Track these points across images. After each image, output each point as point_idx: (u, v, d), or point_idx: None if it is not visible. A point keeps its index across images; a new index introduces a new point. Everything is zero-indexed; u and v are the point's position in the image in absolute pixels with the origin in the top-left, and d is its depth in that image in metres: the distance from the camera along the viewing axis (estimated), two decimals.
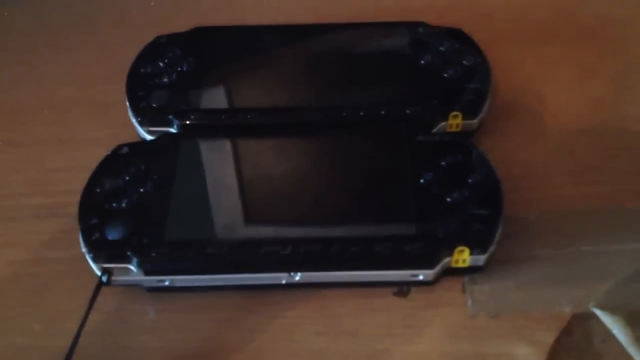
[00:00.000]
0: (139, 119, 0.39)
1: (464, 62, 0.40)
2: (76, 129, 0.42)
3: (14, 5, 0.49)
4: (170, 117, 0.39)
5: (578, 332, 0.32)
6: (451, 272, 0.34)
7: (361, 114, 0.39)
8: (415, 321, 0.34)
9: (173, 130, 0.39)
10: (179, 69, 0.41)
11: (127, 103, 0.40)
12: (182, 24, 0.43)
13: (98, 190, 0.36)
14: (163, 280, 0.34)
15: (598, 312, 0.33)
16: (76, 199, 0.35)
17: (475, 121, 0.39)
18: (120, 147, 0.38)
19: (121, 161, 0.37)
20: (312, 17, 0.45)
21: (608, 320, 0.32)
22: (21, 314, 0.35)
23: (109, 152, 0.37)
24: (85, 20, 0.48)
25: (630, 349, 0.32)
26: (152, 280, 0.34)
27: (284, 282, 0.34)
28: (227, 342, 0.34)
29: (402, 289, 0.35)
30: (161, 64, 0.41)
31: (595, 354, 0.32)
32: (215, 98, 0.41)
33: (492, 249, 0.34)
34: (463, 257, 0.34)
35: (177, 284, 0.35)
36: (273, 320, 0.34)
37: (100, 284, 0.34)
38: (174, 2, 0.48)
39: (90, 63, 0.45)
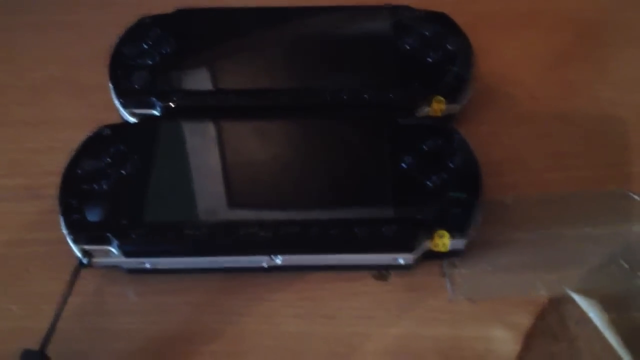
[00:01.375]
0: (121, 101, 0.39)
1: (447, 46, 0.40)
2: (58, 110, 0.42)
3: None
4: (153, 99, 0.39)
5: (553, 315, 0.33)
6: (431, 256, 0.35)
7: (344, 97, 0.39)
8: (395, 304, 0.34)
9: (156, 112, 0.39)
10: (162, 50, 0.41)
11: (110, 84, 0.39)
12: (165, 5, 0.43)
13: (79, 172, 0.36)
14: (143, 263, 0.34)
15: (574, 296, 0.33)
16: (57, 180, 0.35)
17: (457, 105, 0.39)
18: (102, 128, 0.37)
19: (103, 143, 0.37)
20: (296, 1, 0.45)
21: (584, 303, 0.33)
22: (1, 295, 0.35)
23: (90, 134, 0.37)
24: (68, 1, 0.47)
25: (606, 332, 0.32)
26: (133, 262, 0.34)
27: (264, 265, 0.34)
28: (207, 325, 0.34)
29: (382, 272, 0.35)
30: (144, 46, 0.41)
31: (570, 336, 0.32)
32: (198, 80, 0.40)
33: (471, 233, 0.34)
34: (443, 241, 0.34)
35: (158, 266, 0.35)
36: (253, 303, 0.34)
37: (80, 265, 0.34)
38: None
39: (72, 44, 0.45)
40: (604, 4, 0.46)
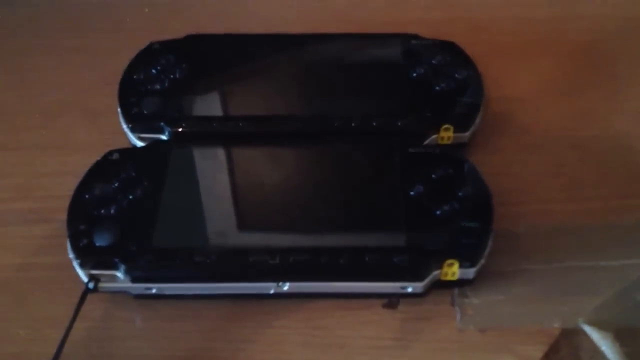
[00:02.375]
0: (130, 126, 0.39)
1: (457, 75, 0.40)
2: (67, 134, 0.42)
3: (7, 8, 0.48)
4: (162, 124, 0.39)
5: (566, 348, 0.32)
6: (441, 284, 0.34)
7: (353, 124, 0.39)
8: (404, 334, 0.34)
9: (164, 137, 0.39)
10: (171, 75, 0.41)
11: (119, 109, 0.39)
12: (175, 31, 0.43)
13: (87, 196, 0.36)
14: (150, 288, 0.34)
15: (587, 328, 0.33)
16: (65, 204, 0.35)
17: (467, 134, 0.39)
18: (110, 152, 0.37)
19: (111, 167, 0.37)
20: (306, 27, 0.45)
21: (596, 336, 0.32)
22: (7, 320, 0.34)
23: (99, 158, 0.37)
24: (79, 25, 0.48)
25: None
26: (140, 287, 0.34)
27: (272, 292, 0.34)
28: (214, 352, 0.34)
29: (392, 301, 0.35)
30: (154, 71, 0.41)
31: None
32: (207, 106, 0.40)
33: (481, 262, 0.34)
34: (452, 270, 0.33)
35: (165, 292, 0.34)
36: (260, 330, 0.34)
37: (87, 290, 0.33)
38: (168, 9, 0.49)
39: (83, 68, 0.45)
40: (617, 34, 0.46)
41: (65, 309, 0.33)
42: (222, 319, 0.34)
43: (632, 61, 0.45)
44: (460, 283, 0.34)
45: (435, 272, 0.34)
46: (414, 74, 0.41)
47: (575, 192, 0.38)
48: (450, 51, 0.42)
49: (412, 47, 0.42)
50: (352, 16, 0.48)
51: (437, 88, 0.40)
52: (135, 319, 0.35)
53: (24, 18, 0.48)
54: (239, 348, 0.34)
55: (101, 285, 0.34)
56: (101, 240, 0.34)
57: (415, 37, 0.43)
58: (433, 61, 0.41)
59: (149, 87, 0.41)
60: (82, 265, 0.34)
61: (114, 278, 0.34)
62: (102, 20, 0.48)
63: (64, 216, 0.35)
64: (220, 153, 0.39)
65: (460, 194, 0.35)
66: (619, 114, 0.42)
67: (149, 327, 0.34)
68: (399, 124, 0.38)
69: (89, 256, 0.34)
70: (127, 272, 0.33)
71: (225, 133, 0.39)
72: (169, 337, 0.34)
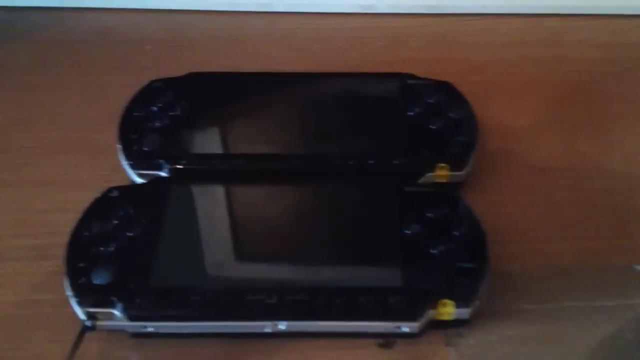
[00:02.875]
0: (130, 162, 0.40)
1: (451, 114, 0.41)
2: (68, 170, 0.42)
3: (12, 44, 0.49)
4: (162, 161, 0.39)
5: None
6: (436, 324, 0.34)
7: (350, 163, 0.39)
8: None
9: (164, 174, 0.39)
10: (172, 113, 0.42)
11: (119, 146, 0.40)
12: (177, 69, 0.44)
13: (86, 233, 0.36)
14: (147, 326, 0.34)
15: None
16: (64, 241, 0.36)
17: (462, 173, 0.39)
18: (110, 190, 0.38)
19: (111, 204, 0.37)
20: (304, 66, 0.46)
21: None
22: (4, 357, 0.34)
23: (98, 195, 0.38)
24: (81, 62, 0.48)
25: None
26: (137, 326, 0.34)
27: (268, 330, 0.34)
28: None
29: (387, 340, 0.35)
30: (155, 108, 0.42)
31: None
32: (206, 143, 0.41)
33: (476, 302, 0.34)
34: (447, 310, 0.34)
35: (161, 330, 0.34)
36: None
37: (84, 328, 0.34)
38: (170, 47, 0.49)
39: (85, 105, 0.45)
40: (610, 77, 0.47)
41: (63, 347, 0.33)
42: (218, 358, 0.34)
43: (624, 103, 0.45)
44: (456, 323, 0.34)
45: (430, 312, 0.34)
46: (410, 113, 0.41)
47: (569, 232, 0.38)
48: (445, 91, 0.43)
49: (407, 86, 0.43)
50: (350, 55, 0.49)
51: (432, 127, 0.41)
52: (132, 357, 0.35)
53: (27, 55, 0.49)
54: None
55: (98, 323, 0.34)
56: (99, 278, 0.34)
57: (411, 76, 0.43)
58: (429, 101, 0.42)
59: (149, 124, 0.41)
60: (80, 303, 0.34)
61: (111, 316, 0.34)
62: (105, 58, 0.49)
63: (63, 253, 0.35)
64: (219, 191, 0.39)
65: (455, 233, 0.36)
66: (611, 154, 0.42)
67: None
68: (395, 162, 0.39)
69: (87, 294, 0.34)
70: (124, 311, 0.33)
71: (224, 171, 0.40)
72: None
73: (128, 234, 0.36)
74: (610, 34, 0.50)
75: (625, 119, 0.44)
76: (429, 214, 0.36)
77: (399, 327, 0.34)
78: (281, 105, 0.43)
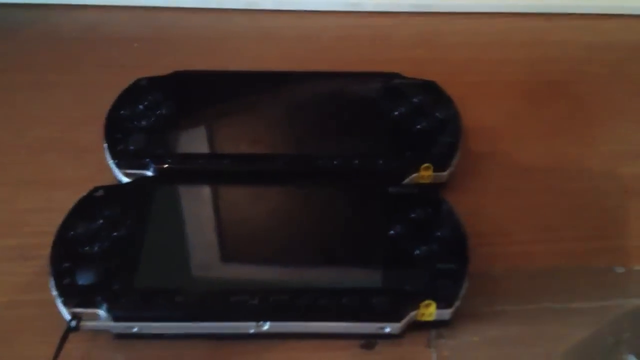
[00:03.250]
0: (115, 162, 0.40)
1: (436, 114, 0.41)
2: (53, 169, 0.42)
3: None
4: (147, 160, 0.39)
5: None
6: (418, 325, 0.35)
7: (334, 163, 0.39)
8: None
9: (150, 173, 0.39)
10: (158, 112, 0.42)
11: (105, 145, 0.40)
12: (164, 67, 0.44)
13: (71, 233, 0.36)
14: (132, 327, 0.34)
15: None
16: (49, 241, 0.35)
17: (446, 173, 0.40)
18: (95, 189, 0.38)
19: (96, 204, 0.37)
20: (291, 65, 0.46)
21: None
22: None
23: (83, 194, 0.38)
24: (67, 61, 0.48)
25: None
26: (121, 326, 0.34)
27: (252, 331, 0.34)
28: None
29: (369, 341, 0.35)
30: (140, 107, 0.42)
31: None
32: (192, 143, 0.41)
33: (457, 303, 0.34)
34: (429, 310, 0.34)
35: (146, 331, 0.35)
36: None
37: (69, 329, 0.34)
38: (157, 45, 0.49)
39: (70, 104, 0.45)
40: (593, 78, 0.47)
41: (48, 348, 0.33)
42: (203, 359, 0.35)
43: (606, 104, 0.46)
44: (437, 324, 0.35)
45: (412, 313, 0.34)
46: (395, 113, 0.41)
47: (550, 234, 0.39)
48: (431, 91, 0.43)
49: (393, 86, 0.43)
50: (335, 54, 0.49)
51: (417, 127, 0.41)
52: (116, 359, 0.35)
53: (12, 53, 0.49)
54: None
55: (83, 323, 0.34)
56: (84, 279, 0.34)
57: (397, 75, 0.44)
58: (414, 100, 0.42)
59: (135, 123, 0.41)
60: (64, 304, 0.34)
61: (95, 316, 0.34)
62: (91, 56, 0.48)
63: (48, 253, 0.35)
64: (205, 191, 0.40)
65: (437, 234, 0.36)
66: (593, 156, 0.43)
67: None
68: (380, 162, 0.39)
69: (72, 294, 0.34)
70: (109, 311, 0.34)
71: (210, 171, 0.40)
72: None
73: (113, 234, 0.36)
74: (594, 34, 0.50)
75: (607, 120, 0.45)
76: (412, 216, 0.37)
77: (382, 328, 0.34)
78: (267, 105, 0.43)
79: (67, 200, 0.37)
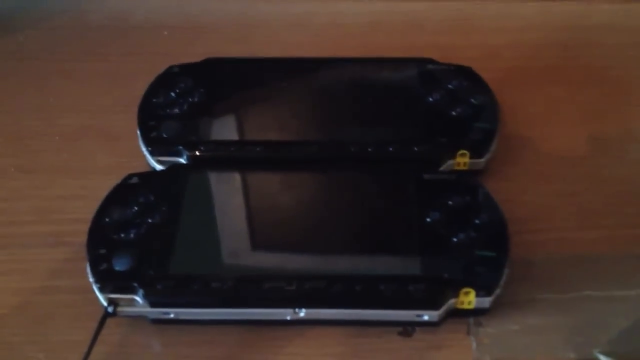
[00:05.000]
0: (149, 149, 0.40)
1: (473, 100, 0.41)
2: (87, 157, 0.42)
3: (29, 31, 0.49)
4: (180, 147, 0.39)
5: None
6: (456, 313, 0.34)
7: (369, 150, 0.39)
8: None
9: (183, 160, 0.39)
10: (190, 99, 0.41)
11: (138, 132, 0.40)
12: (194, 55, 0.44)
13: (107, 220, 0.36)
14: (168, 313, 0.34)
15: (602, 358, 0.33)
16: (85, 227, 0.36)
17: (483, 160, 0.39)
18: (130, 176, 0.38)
19: (131, 191, 0.37)
20: (322, 52, 0.46)
21: None
22: (26, 343, 0.35)
23: (118, 182, 0.38)
24: (99, 49, 0.48)
25: None
26: (157, 312, 0.34)
27: (288, 318, 0.34)
28: None
29: (407, 329, 0.35)
30: (173, 94, 0.42)
31: None
32: (225, 130, 0.41)
33: (497, 291, 0.34)
34: (469, 299, 0.34)
35: (182, 317, 0.35)
36: (275, 357, 0.34)
37: (106, 314, 0.34)
38: (187, 33, 0.49)
39: (101, 92, 0.45)
40: (631, 62, 0.46)
41: (84, 333, 0.33)
42: (238, 345, 0.35)
43: None
44: (476, 312, 0.34)
45: (451, 301, 0.34)
46: (430, 99, 0.41)
47: (590, 221, 0.38)
48: (467, 76, 0.42)
49: (428, 71, 0.42)
50: (368, 40, 0.48)
51: (453, 113, 0.40)
52: (153, 344, 0.35)
53: (44, 42, 0.49)
54: None
55: (120, 309, 0.34)
56: (120, 265, 0.34)
57: (431, 61, 0.43)
58: (449, 86, 0.41)
59: (168, 110, 0.41)
60: (101, 290, 0.34)
61: (132, 302, 0.34)
62: (122, 44, 0.48)
63: (83, 239, 0.35)
64: (238, 178, 0.39)
65: (476, 221, 0.35)
66: (632, 142, 0.42)
67: (167, 353, 0.34)
68: (415, 149, 0.39)
69: (108, 280, 0.34)
70: (145, 297, 0.34)
71: (242, 158, 0.40)
72: None
73: (148, 220, 0.36)
74: (630, 18, 0.49)
75: None
76: (450, 202, 0.36)
77: (419, 316, 0.34)
78: (299, 91, 0.43)
79: (101, 187, 0.37)
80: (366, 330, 0.35)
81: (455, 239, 0.35)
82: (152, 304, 0.34)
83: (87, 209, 0.36)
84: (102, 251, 0.35)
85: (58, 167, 0.42)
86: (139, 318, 0.35)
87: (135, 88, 0.42)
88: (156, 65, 0.43)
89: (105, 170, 0.40)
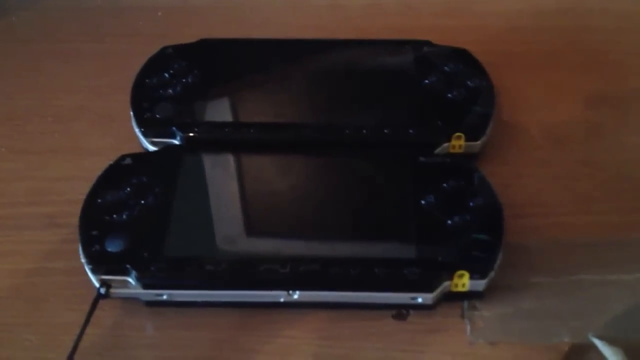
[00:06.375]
0: (142, 130, 0.39)
1: (469, 83, 0.40)
2: (80, 138, 0.42)
3: (22, 12, 0.49)
4: (174, 129, 0.39)
5: None
6: (451, 296, 0.34)
7: (364, 132, 0.39)
8: (413, 345, 0.34)
9: (176, 142, 0.39)
10: (184, 80, 0.41)
11: (131, 113, 0.40)
12: (189, 36, 0.43)
13: (99, 201, 0.36)
14: (161, 294, 0.34)
15: (597, 342, 0.33)
16: (78, 209, 0.35)
17: (479, 143, 0.39)
18: (123, 157, 0.38)
19: (124, 172, 0.37)
20: (318, 33, 0.45)
21: (607, 351, 0.32)
22: (19, 325, 0.35)
23: (111, 162, 0.37)
24: (92, 30, 0.48)
25: None
26: (150, 294, 0.34)
27: (282, 300, 0.34)
28: None
29: (401, 312, 0.35)
30: (166, 75, 0.41)
31: None
32: (218, 111, 0.41)
33: (492, 274, 0.34)
34: (463, 281, 0.33)
35: (175, 299, 0.34)
36: (270, 339, 0.34)
37: (98, 296, 0.34)
38: (181, 14, 0.49)
39: (95, 73, 0.45)
40: (630, 46, 0.46)
41: (77, 315, 0.33)
42: (232, 327, 0.34)
43: None
44: (470, 295, 0.34)
45: (446, 284, 0.34)
46: (426, 81, 0.40)
47: (585, 206, 0.38)
48: (463, 59, 0.42)
49: (424, 54, 0.42)
50: (364, 22, 0.48)
51: (448, 96, 0.40)
52: (146, 326, 0.35)
53: (38, 23, 0.48)
54: (248, 357, 0.34)
55: (113, 291, 0.34)
56: (113, 246, 0.34)
57: (428, 43, 0.43)
58: (445, 68, 0.41)
59: (161, 91, 0.41)
60: (94, 271, 0.34)
61: (125, 284, 0.34)
62: (116, 25, 0.48)
63: (77, 221, 0.35)
64: (232, 160, 0.39)
65: (471, 205, 0.35)
66: (629, 127, 0.42)
67: (160, 335, 0.34)
68: (411, 132, 0.38)
69: (101, 262, 0.34)
70: (138, 279, 0.33)
71: (237, 140, 0.39)
72: (179, 345, 0.34)
73: (141, 202, 0.36)
74: (629, 2, 0.49)
75: None
76: (445, 185, 0.36)
77: (414, 299, 0.34)
78: (294, 73, 0.42)
79: (95, 168, 0.37)
80: (361, 312, 0.35)
81: (450, 222, 0.34)
82: (145, 286, 0.34)
83: (81, 190, 0.36)
84: (95, 232, 0.34)
85: (51, 148, 0.41)
86: (132, 300, 0.35)
87: (129, 69, 0.42)
88: (150, 47, 0.43)
89: (99, 152, 0.40)
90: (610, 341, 0.32)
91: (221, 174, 0.38)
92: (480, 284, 0.34)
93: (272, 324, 0.34)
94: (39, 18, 0.48)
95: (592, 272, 0.35)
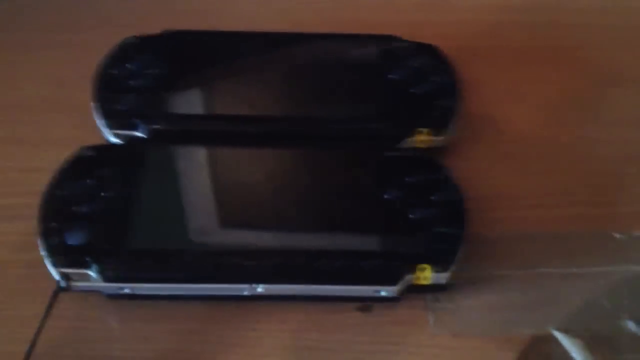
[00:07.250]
0: (105, 122, 0.39)
1: (434, 78, 0.40)
2: (42, 129, 0.41)
3: None
4: (137, 120, 0.38)
5: (536, 354, 0.33)
6: (415, 289, 0.34)
7: (329, 126, 0.39)
8: (378, 337, 0.34)
9: (140, 134, 0.38)
10: (147, 71, 0.40)
11: (93, 105, 0.39)
12: (157, 27, 0.42)
13: (59, 193, 0.35)
14: (122, 288, 0.34)
15: (558, 335, 0.33)
16: (38, 200, 0.35)
17: (443, 138, 0.39)
18: (83, 149, 0.37)
19: (85, 164, 0.36)
20: (286, 26, 0.45)
21: (567, 343, 0.33)
22: None
23: (71, 154, 0.37)
24: (56, 20, 0.47)
25: None
26: (112, 287, 0.34)
27: (245, 293, 0.34)
28: (188, 354, 0.34)
29: (366, 304, 0.35)
30: (129, 66, 0.41)
31: None
32: (183, 103, 0.40)
33: (454, 267, 0.34)
34: (425, 274, 0.34)
35: (138, 292, 0.34)
36: (235, 332, 0.34)
37: (58, 289, 0.33)
38: (149, 4, 0.48)
39: (60, 63, 0.44)
40: (597, 43, 0.46)
41: (37, 308, 0.32)
42: (196, 320, 0.34)
43: (612, 71, 0.45)
44: (434, 288, 0.34)
45: (409, 277, 0.34)
46: (392, 76, 0.40)
47: (548, 199, 0.38)
48: (429, 54, 0.42)
49: (390, 49, 0.42)
50: (335, 16, 0.47)
51: (414, 91, 0.40)
52: (109, 319, 0.34)
53: (2, 12, 0.47)
54: (213, 350, 0.34)
55: (73, 284, 0.34)
56: (73, 239, 0.34)
57: (395, 38, 0.42)
58: (412, 63, 0.41)
59: (125, 82, 0.40)
60: (54, 264, 0.33)
61: (86, 277, 0.33)
62: (82, 15, 0.47)
63: (36, 213, 0.34)
64: (196, 153, 0.39)
65: (434, 198, 0.35)
66: (592, 122, 0.42)
67: (123, 329, 0.34)
68: (375, 126, 0.38)
69: (61, 254, 0.33)
70: (99, 272, 0.33)
71: (201, 132, 0.39)
72: (143, 338, 0.34)
73: (102, 194, 0.35)
74: None
75: (605, 88, 0.44)
76: (408, 179, 0.36)
77: (377, 292, 0.34)
78: (260, 66, 0.42)
79: (57, 160, 0.36)
80: (326, 305, 0.35)
81: (412, 216, 0.35)
82: (107, 279, 0.33)
83: (42, 182, 0.35)
84: (54, 224, 0.34)
85: (13, 139, 0.41)
86: (94, 293, 0.34)
87: (94, 60, 0.41)
88: (116, 37, 0.42)
89: (62, 143, 0.38)
90: (571, 332, 0.33)
91: (184, 168, 0.38)
92: (443, 277, 0.34)
93: (237, 317, 0.34)
94: (1, 7, 0.47)
95: (554, 265, 0.35)
